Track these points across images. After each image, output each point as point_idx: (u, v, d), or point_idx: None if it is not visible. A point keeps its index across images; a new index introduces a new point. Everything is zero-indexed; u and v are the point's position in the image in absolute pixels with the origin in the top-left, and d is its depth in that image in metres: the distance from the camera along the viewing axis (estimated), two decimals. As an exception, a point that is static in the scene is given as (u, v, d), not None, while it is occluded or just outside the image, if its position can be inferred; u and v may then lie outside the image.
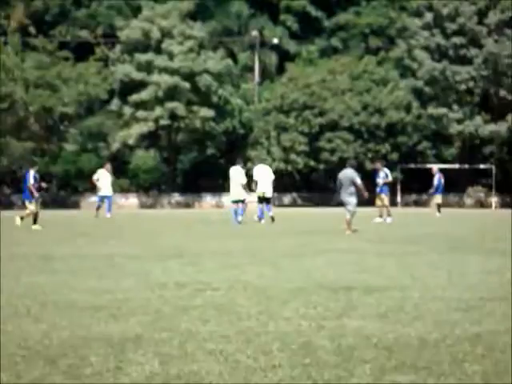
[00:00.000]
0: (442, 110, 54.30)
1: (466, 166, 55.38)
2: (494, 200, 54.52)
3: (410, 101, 54.91)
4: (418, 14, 57.14)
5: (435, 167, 37.49)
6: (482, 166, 55.39)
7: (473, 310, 7.22)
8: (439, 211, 34.02)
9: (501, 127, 54.16)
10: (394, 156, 53.16)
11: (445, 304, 7.56)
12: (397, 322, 6.66)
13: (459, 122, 54.38)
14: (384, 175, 30.35)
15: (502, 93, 55.10)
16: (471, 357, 5.39)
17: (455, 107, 54.84)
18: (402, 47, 56.91)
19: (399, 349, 5.64)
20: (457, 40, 55.10)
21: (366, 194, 21.48)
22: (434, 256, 13.00)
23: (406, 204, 53.92)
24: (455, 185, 54.05)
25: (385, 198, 29.56)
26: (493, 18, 55.49)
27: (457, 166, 55.22)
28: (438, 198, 35.11)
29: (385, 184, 30.21)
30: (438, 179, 34.89)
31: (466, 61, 55.06)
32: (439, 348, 5.66)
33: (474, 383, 4.80)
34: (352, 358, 5.36)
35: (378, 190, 30.30)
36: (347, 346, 5.72)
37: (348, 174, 21.27)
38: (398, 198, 52.45)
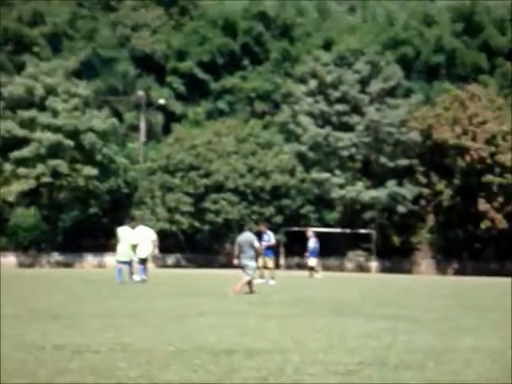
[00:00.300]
0: (325, 175, 55.41)
1: (348, 231, 56.46)
2: (373, 264, 55.66)
3: (294, 165, 55.87)
4: (303, 80, 58.53)
5: (310, 231, 38.22)
6: (362, 231, 56.54)
7: (351, 374, 7.27)
8: (312, 274, 34.77)
9: (381, 193, 55.58)
10: (278, 219, 53.74)
11: (324, 367, 7.59)
12: (277, 385, 6.62)
13: (341, 186, 55.56)
14: (268, 238, 30.59)
15: (383, 160, 56.74)
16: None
17: (337, 172, 56.06)
18: (287, 112, 58.03)
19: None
20: (340, 107, 56.62)
21: (260, 261, 21.66)
22: (315, 319, 13.08)
23: (288, 266, 54.38)
24: (336, 248, 55.04)
25: (269, 261, 29.69)
26: (375, 86, 57.34)
27: (338, 230, 56.23)
28: (312, 261, 35.72)
29: (268, 247, 30.41)
30: (313, 242, 35.69)
31: (348, 128, 56.56)
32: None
33: None
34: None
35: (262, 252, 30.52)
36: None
37: (247, 237, 21.30)
38: (282, 261, 52.88)
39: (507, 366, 7.83)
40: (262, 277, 28.47)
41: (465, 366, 7.84)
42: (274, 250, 31.91)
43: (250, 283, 20.88)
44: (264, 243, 30.55)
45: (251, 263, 20.90)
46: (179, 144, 55.67)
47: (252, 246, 20.98)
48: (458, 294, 24.02)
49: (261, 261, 29.30)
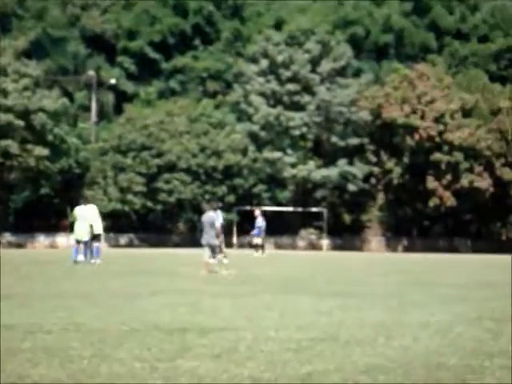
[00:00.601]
0: (277, 154, 55.52)
1: (299, 209, 56.74)
2: (325, 242, 56.04)
3: (246, 144, 55.89)
4: (254, 60, 58.43)
5: (258, 209, 38.49)
6: (314, 209, 56.87)
7: (304, 350, 7.36)
8: (257, 251, 35.14)
9: (332, 172, 55.88)
10: (231, 198, 53.81)
11: (277, 344, 7.67)
12: (230, 362, 6.68)
13: (293, 166, 55.72)
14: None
15: (334, 139, 57.02)
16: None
17: (289, 152, 56.19)
18: (239, 92, 57.93)
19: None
20: (291, 87, 56.66)
21: (221, 239, 21.85)
22: (268, 297, 13.18)
23: (241, 245, 54.47)
24: (288, 227, 55.29)
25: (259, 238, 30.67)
26: (325, 66, 57.47)
27: (290, 208, 56.50)
28: (257, 239, 36.02)
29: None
30: (259, 221, 35.98)
31: (299, 107, 56.66)
32: (271, 387, 5.73)
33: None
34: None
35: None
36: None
37: (210, 217, 21.41)
38: (234, 240, 52.94)
39: (455, 341, 8.01)
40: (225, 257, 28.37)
41: (414, 341, 7.99)
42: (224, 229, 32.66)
43: (220, 262, 21.46)
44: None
45: (214, 242, 21.07)
46: (131, 124, 55.33)
47: (213, 224, 21.14)
48: (408, 271, 24.33)
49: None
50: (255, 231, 36.45)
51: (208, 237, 20.96)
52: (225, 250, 29.60)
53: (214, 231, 21.22)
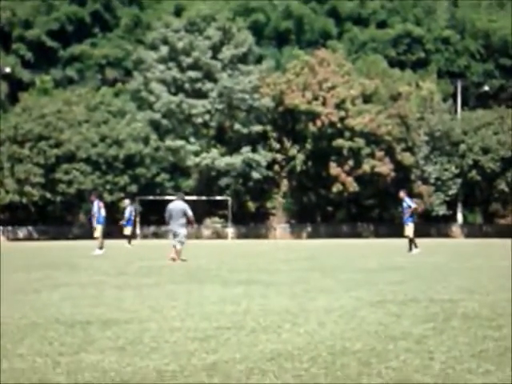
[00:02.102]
0: (180, 143, 55.30)
1: (204, 198, 56.66)
2: (230, 231, 56.16)
3: (148, 133, 55.46)
4: (154, 47, 57.96)
5: (126, 200, 38.32)
6: (218, 198, 56.88)
7: (210, 339, 7.30)
8: (130, 242, 35.16)
9: (236, 160, 55.98)
10: (133, 188, 53.32)
11: (182, 334, 7.59)
12: (135, 354, 6.57)
13: (196, 154, 55.62)
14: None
15: (237, 126, 57.11)
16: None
17: (192, 140, 56.06)
18: (139, 79, 57.39)
19: (137, 382, 5.56)
20: (192, 74, 56.45)
21: (194, 226, 22.52)
22: (172, 287, 13.07)
23: (145, 236, 54.14)
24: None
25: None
26: (227, 52, 57.46)
27: (194, 197, 56.34)
28: (127, 230, 35.86)
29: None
30: (128, 212, 35.89)
31: (201, 94, 56.53)
32: (177, 379, 5.64)
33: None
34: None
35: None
36: (84, 381, 5.56)
37: (179, 206, 21.82)
38: (138, 230, 52.55)
39: (359, 325, 8.07)
40: (101, 248, 27.67)
41: (319, 326, 8.01)
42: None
43: (179, 250, 21.54)
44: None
45: (182, 230, 21.64)
46: (27, 113, 54.13)
47: (184, 214, 21.66)
48: (312, 257, 24.58)
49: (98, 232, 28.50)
50: (126, 221, 36.04)
51: (176, 225, 21.55)
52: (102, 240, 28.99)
53: (185, 220, 21.74)
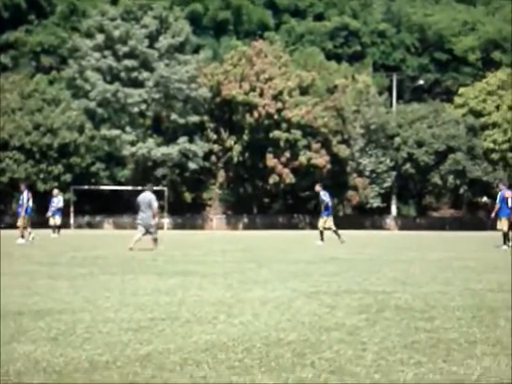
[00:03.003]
0: (115, 132, 54.86)
1: (139, 188, 56.23)
2: (166, 221, 55.92)
3: (83, 121, 54.85)
4: (90, 35, 57.31)
5: (55, 190, 38.19)
6: (154, 188, 56.45)
7: (144, 330, 7.25)
8: (58, 232, 35.11)
9: (172, 150, 55.77)
10: (68, 177, 52.70)
11: (116, 325, 7.53)
12: (68, 345, 6.50)
13: (132, 143, 55.25)
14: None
15: (174, 116, 56.87)
16: (141, 377, 5.38)
17: (128, 129, 55.65)
18: (74, 67, 56.73)
19: (69, 372, 5.50)
20: (128, 63, 56.01)
21: (156, 219, 22.34)
22: (106, 277, 12.96)
23: (79, 226, 53.59)
24: (128, 207, 54.68)
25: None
26: (163, 41, 57.15)
27: (130, 187, 55.99)
28: (57, 220, 35.94)
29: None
30: (55, 202, 36.01)
31: (137, 83, 56.12)
32: (110, 370, 5.59)
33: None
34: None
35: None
36: (15, 372, 5.48)
37: (147, 197, 21.96)
38: (71, 220, 51.97)
39: (294, 316, 8.11)
40: (22, 236, 27.51)
41: (254, 317, 8.03)
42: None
43: (155, 240, 22.00)
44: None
45: (151, 221, 21.85)
46: (-41, 100, 53.08)
47: (150, 205, 21.72)
48: (248, 248, 24.64)
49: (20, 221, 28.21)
50: (52, 211, 35.96)
51: (145, 216, 21.71)
52: (24, 229, 28.73)
53: (152, 212, 21.76)
